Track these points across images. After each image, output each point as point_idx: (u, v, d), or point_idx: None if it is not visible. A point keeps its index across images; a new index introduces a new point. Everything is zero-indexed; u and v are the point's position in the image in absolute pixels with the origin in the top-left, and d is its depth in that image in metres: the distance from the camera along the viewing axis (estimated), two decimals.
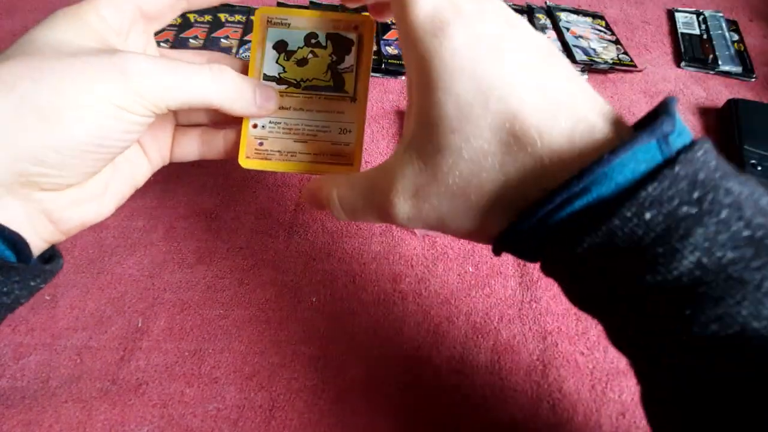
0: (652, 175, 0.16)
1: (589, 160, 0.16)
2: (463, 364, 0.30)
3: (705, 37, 0.57)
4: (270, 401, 0.28)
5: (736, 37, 0.57)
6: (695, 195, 0.15)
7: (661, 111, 0.17)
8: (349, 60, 0.29)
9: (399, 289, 0.33)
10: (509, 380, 0.30)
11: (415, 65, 0.20)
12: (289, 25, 0.28)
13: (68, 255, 0.34)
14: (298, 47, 0.28)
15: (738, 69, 0.53)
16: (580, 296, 0.20)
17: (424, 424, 0.28)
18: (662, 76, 0.52)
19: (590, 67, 0.52)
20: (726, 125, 0.46)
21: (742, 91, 0.51)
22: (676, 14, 0.60)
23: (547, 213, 0.17)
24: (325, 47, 0.28)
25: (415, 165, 0.20)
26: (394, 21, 0.22)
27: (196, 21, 0.53)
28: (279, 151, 0.28)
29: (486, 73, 0.18)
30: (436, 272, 0.35)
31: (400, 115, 0.45)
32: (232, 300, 0.32)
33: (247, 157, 0.28)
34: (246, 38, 0.52)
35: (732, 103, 0.46)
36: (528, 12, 0.58)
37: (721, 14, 0.60)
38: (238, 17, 0.54)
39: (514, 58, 0.18)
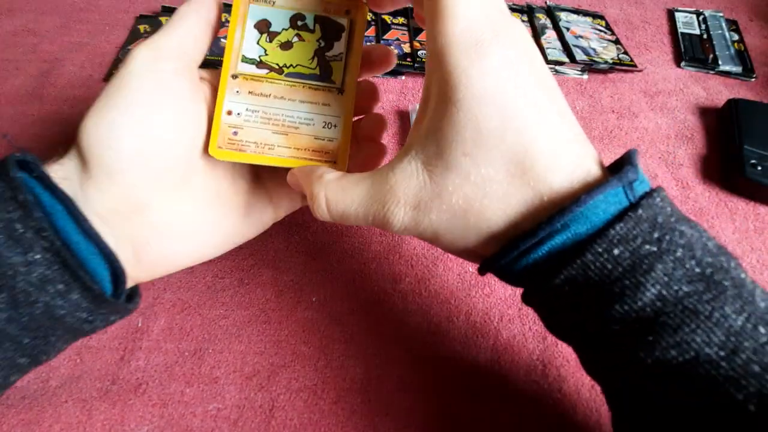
0: (620, 216, 0.18)
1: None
2: (463, 364, 0.30)
3: (705, 37, 0.57)
4: (270, 401, 0.28)
5: (736, 37, 0.57)
6: (655, 235, 0.18)
7: (627, 161, 0.19)
8: (339, 47, 0.26)
9: (399, 289, 0.33)
10: (509, 380, 0.30)
11: (439, 78, 0.19)
12: (274, 2, 0.26)
13: None
14: (283, 29, 0.26)
15: (738, 69, 0.53)
16: (557, 326, 0.21)
17: (424, 424, 0.28)
18: (662, 76, 0.52)
19: (590, 66, 0.52)
20: (726, 125, 0.46)
21: (742, 91, 0.51)
22: (676, 14, 0.60)
23: (530, 246, 0.19)
24: (312, 31, 0.26)
25: (420, 178, 0.20)
26: (424, 30, 0.22)
27: None
28: (255, 143, 0.26)
29: (509, 103, 0.18)
30: (436, 272, 0.35)
31: (400, 114, 0.45)
32: (232, 300, 0.32)
33: (219, 147, 0.25)
34: None
35: (732, 103, 0.46)
36: (528, 12, 0.58)
37: (721, 14, 0.60)
38: None
39: (534, 93, 0.19)
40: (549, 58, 0.52)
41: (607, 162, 0.21)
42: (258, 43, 0.26)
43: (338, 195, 0.22)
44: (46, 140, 0.42)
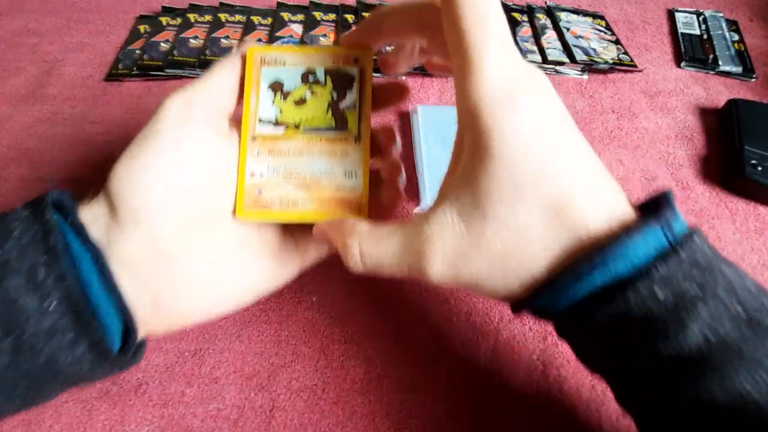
0: (662, 257, 0.18)
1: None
2: (463, 364, 0.30)
3: (705, 37, 0.57)
4: (270, 401, 0.28)
5: (736, 37, 0.57)
6: (697, 276, 0.18)
7: (664, 202, 0.20)
8: (351, 96, 0.26)
9: (399, 289, 0.33)
10: (509, 380, 0.30)
11: (473, 130, 0.20)
12: (285, 63, 0.26)
13: None
14: (295, 86, 0.26)
15: (738, 69, 0.53)
16: (591, 359, 0.22)
17: (424, 424, 0.28)
18: (662, 76, 0.52)
19: (590, 67, 0.52)
20: (726, 125, 0.46)
21: (742, 91, 0.51)
22: (676, 14, 0.60)
23: (570, 285, 0.19)
24: (324, 84, 0.26)
25: (456, 228, 0.20)
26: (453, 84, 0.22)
27: (196, 21, 0.53)
28: (279, 200, 0.26)
29: (545, 153, 0.19)
30: None
31: (400, 115, 0.45)
32: None
33: (245, 208, 0.26)
34: (247, 38, 0.52)
35: (732, 103, 0.46)
36: (528, 12, 0.58)
37: (721, 14, 0.60)
38: (238, 17, 0.54)
39: (568, 141, 0.20)
40: (549, 58, 0.52)
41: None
42: (273, 103, 0.26)
43: (372, 247, 0.22)
44: (46, 140, 0.42)
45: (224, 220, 0.25)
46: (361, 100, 0.26)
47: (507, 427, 0.28)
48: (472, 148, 0.20)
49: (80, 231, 0.22)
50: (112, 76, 0.48)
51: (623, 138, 0.46)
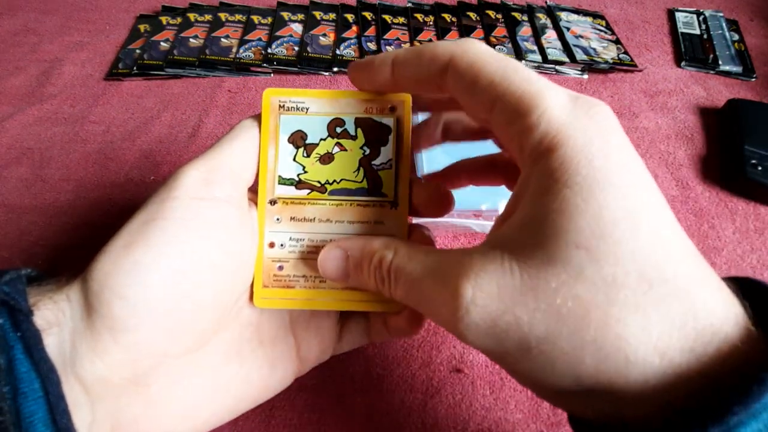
0: None
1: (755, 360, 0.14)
2: (463, 363, 0.30)
3: (705, 36, 0.57)
4: (270, 401, 0.28)
5: (736, 37, 0.57)
6: None
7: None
8: (387, 153, 0.22)
9: None
10: (509, 380, 0.30)
11: (546, 165, 0.16)
12: (307, 110, 0.22)
13: (67, 254, 0.34)
14: (321, 139, 0.22)
15: (738, 69, 0.53)
16: None
17: (424, 424, 0.28)
18: (662, 76, 0.52)
19: (590, 66, 0.52)
20: (726, 125, 0.46)
21: (742, 91, 0.51)
22: (677, 14, 0.60)
23: (738, 411, 0.13)
24: (355, 137, 0.22)
25: (504, 265, 0.16)
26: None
27: (196, 20, 0.53)
28: (304, 277, 0.22)
29: (641, 191, 0.15)
30: None
31: None
32: None
33: (264, 287, 0.22)
34: (246, 38, 0.52)
35: (732, 103, 0.46)
36: (528, 12, 0.58)
37: (721, 14, 0.60)
38: (238, 17, 0.54)
39: (649, 180, 0.16)
40: (549, 57, 0.52)
41: None
42: (295, 160, 0.22)
43: (406, 261, 0.19)
44: (46, 140, 0.42)
45: (227, 323, 0.21)
46: (398, 157, 0.22)
47: (507, 427, 0.28)
48: (541, 185, 0.16)
49: (34, 344, 0.16)
50: (112, 75, 0.48)
51: None
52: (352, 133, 0.22)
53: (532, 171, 0.16)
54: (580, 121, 0.16)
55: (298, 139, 0.22)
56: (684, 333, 0.14)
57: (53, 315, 0.17)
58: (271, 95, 0.22)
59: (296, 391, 0.29)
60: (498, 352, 0.16)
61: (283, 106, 0.22)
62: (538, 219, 0.15)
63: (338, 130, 0.22)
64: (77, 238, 0.36)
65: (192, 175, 0.19)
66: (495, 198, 0.34)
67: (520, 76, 0.17)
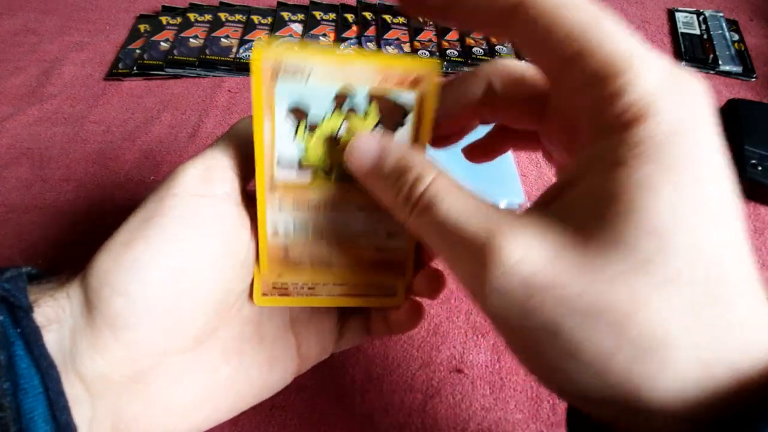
0: None
1: None
2: (463, 364, 0.30)
3: (705, 36, 0.57)
4: (270, 401, 0.28)
5: (736, 37, 0.57)
6: None
7: None
8: (403, 134, 0.19)
9: None
10: (509, 380, 0.30)
11: (617, 126, 0.14)
12: (309, 75, 0.18)
13: (68, 253, 0.34)
14: (325, 115, 0.19)
15: (738, 69, 0.53)
16: None
17: (424, 424, 0.28)
18: None
19: None
20: (726, 125, 0.45)
21: (742, 91, 0.51)
22: (677, 14, 0.60)
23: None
24: (365, 114, 0.19)
25: (565, 238, 0.14)
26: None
27: (196, 20, 0.53)
28: (311, 262, 0.21)
29: (724, 188, 0.14)
30: None
31: None
32: None
33: (271, 271, 0.21)
34: (246, 38, 0.52)
35: (732, 103, 0.46)
36: None
37: (721, 14, 0.60)
38: (238, 17, 0.54)
39: (732, 187, 0.15)
40: None
41: None
42: (295, 138, 0.19)
43: (443, 191, 0.16)
44: (46, 140, 0.42)
45: (227, 320, 0.21)
46: (416, 140, 0.19)
47: (508, 427, 0.28)
48: (620, 155, 0.14)
49: (33, 341, 0.16)
50: (112, 75, 0.48)
51: None
52: (364, 109, 0.18)
53: (609, 141, 0.14)
54: (674, 97, 0.14)
55: (298, 113, 0.19)
56: (731, 346, 0.13)
57: (53, 312, 0.17)
58: (263, 56, 0.17)
59: (296, 391, 0.29)
60: (517, 327, 0.14)
61: (279, 70, 0.17)
62: (610, 192, 0.13)
63: (346, 105, 0.18)
64: (77, 237, 0.36)
65: (191, 172, 0.19)
66: (495, 198, 0.34)
67: (606, 30, 0.14)
